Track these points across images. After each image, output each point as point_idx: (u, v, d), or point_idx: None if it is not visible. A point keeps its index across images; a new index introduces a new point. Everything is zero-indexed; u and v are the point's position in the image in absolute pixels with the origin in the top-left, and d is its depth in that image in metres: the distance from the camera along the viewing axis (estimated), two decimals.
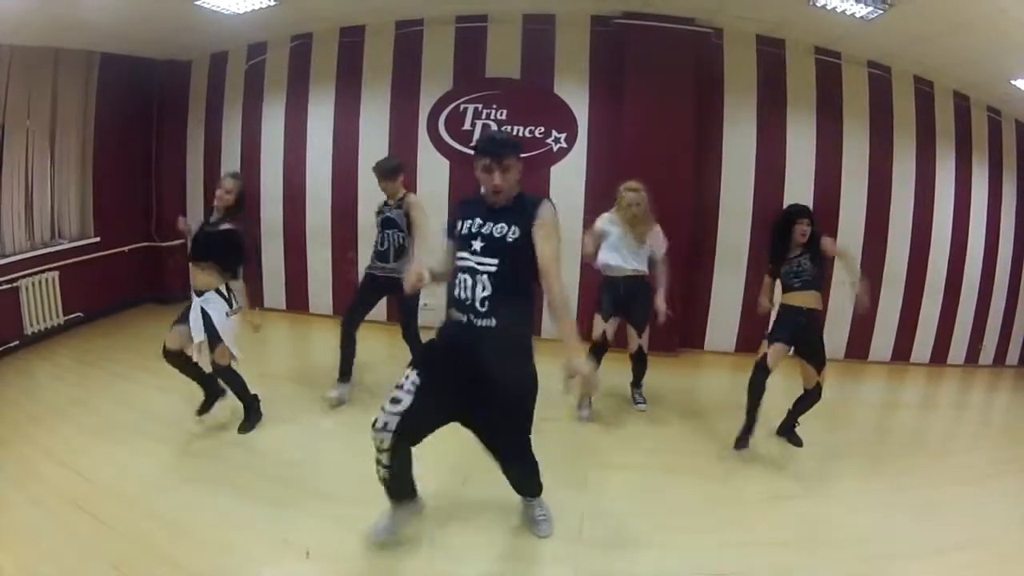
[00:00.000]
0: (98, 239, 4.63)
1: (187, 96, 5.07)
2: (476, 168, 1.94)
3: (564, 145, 4.47)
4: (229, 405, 3.06)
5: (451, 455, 2.77)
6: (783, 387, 3.21)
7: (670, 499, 2.58)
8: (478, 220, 1.94)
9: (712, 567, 2.14)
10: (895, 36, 4.02)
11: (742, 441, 3.01)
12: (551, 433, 2.91)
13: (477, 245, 1.90)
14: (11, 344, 3.90)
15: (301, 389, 3.58)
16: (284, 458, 2.77)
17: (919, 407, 4.24)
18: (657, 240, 3.23)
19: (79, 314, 4.42)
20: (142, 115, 5.01)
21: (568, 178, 4.42)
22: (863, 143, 4.51)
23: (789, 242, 2.94)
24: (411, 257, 3.21)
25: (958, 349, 4.92)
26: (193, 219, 3.48)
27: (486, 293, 1.87)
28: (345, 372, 3.42)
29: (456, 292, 1.93)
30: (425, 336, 3.59)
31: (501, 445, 2.10)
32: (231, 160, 5.00)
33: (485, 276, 1.88)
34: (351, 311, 3.46)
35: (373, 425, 1.98)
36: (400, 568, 2.08)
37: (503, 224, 1.90)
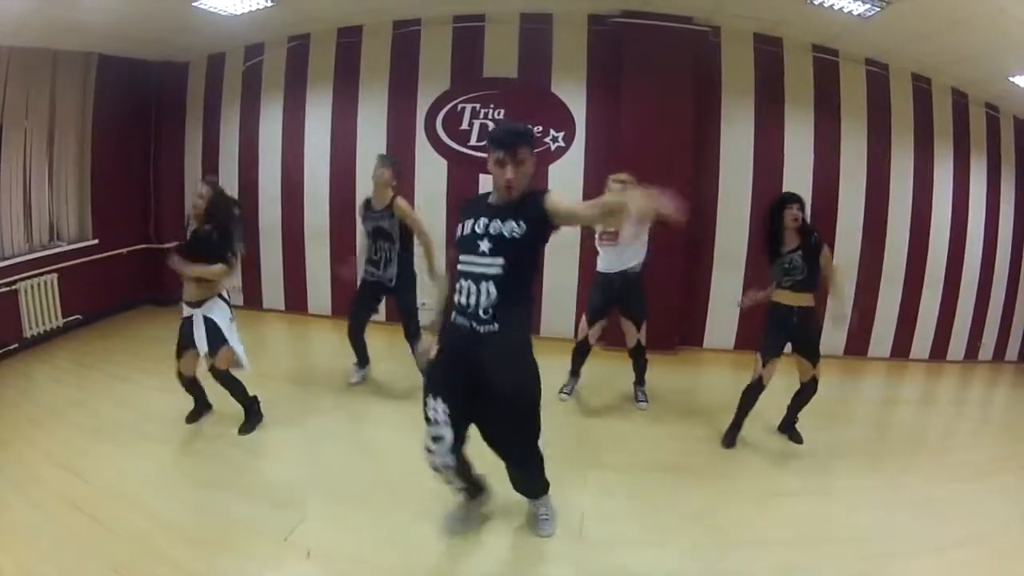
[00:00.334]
0: (96, 241, 4.63)
1: (185, 97, 5.06)
2: (489, 161, 1.87)
3: (562, 144, 4.47)
4: (231, 406, 3.04)
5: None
6: (783, 385, 3.20)
7: (670, 498, 2.58)
8: (483, 220, 1.87)
9: (713, 566, 2.14)
10: (893, 34, 4.01)
11: (729, 439, 3.08)
12: (551, 432, 2.88)
13: (485, 246, 1.83)
14: (10, 347, 3.89)
15: (301, 389, 3.58)
16: (284, 458, 2.78)
17: (918, 404, 4.23)
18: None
19: (78, 316, 4.41)
20: (140, 116, 5.00)
21: (566, 177, 4.42)
22: (861, 140, 4.50)
23: (782, 230, 2.90)
24: (430, 272, 3.19)
25: (957, 345, 4.92)
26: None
27: (491, 299, 1.83)
28: (362, 360, 3.63)
29: (458, 298, 1.88)
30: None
31: (508, 447, 2.07)
32: (229, 161, 5.00)
33: (491, 281, 1.82)
34: (355, 316, 3.53)
35: (432, 466, 2.01)
36: (402, 567, 2.07)
37: (511, 222, 1.83)
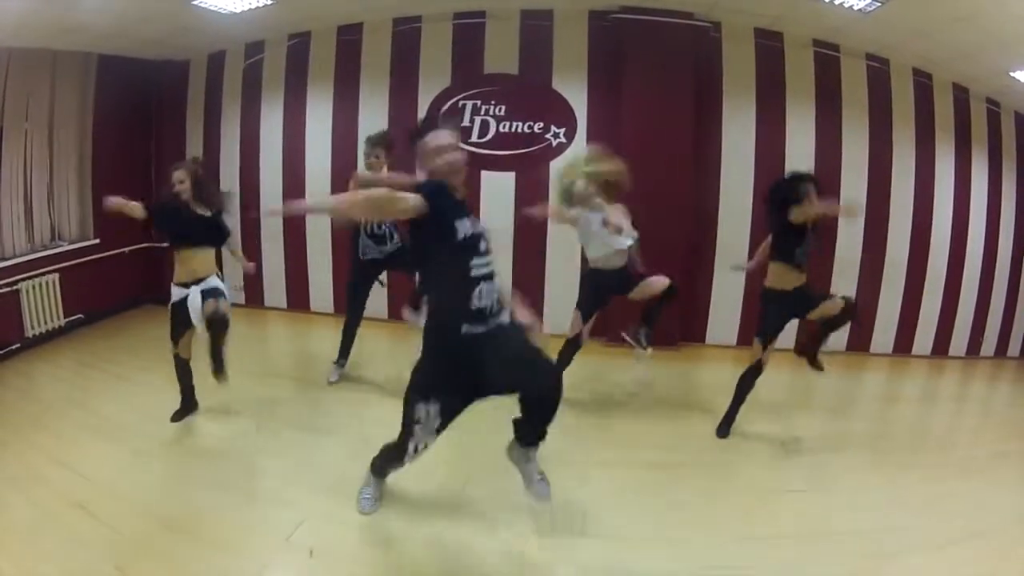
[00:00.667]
0: (98, 241, 4.61)
1: (185, 96, 5.03)
2: (429, 155, 1.80)
3: (563, 140, 4.44)
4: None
5: (452, 456, 2.76)
6: (783, 381, 3.19)
7: (671, 494, 2.56)
8: (467, 220, 1.79)
9: (714, 562, 2.13)
10: (893, 28, 3.99)
11: (724, 429, 3.08)
12: (551, 429, 2.89)
13: (483, 246, 1.80)
14: (12, 346, 3.88)
15: (303, 388, 3.56)
16: (286, 457, 2.75)
17: (921, 400, 4.21)
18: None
19: (80, 316, 4.40)
20: (140, 116, 4.98)
21: None
22: (862, 136, 4.48)
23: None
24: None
25: (959, 341, 4.90)
26: None
27: (499, 293, 1.83)
28: (345, 354, 3.59)
29: (472, 303, 1.74)
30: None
31: (539, 378, 1.83)
32: (230, 159, 4.97)
33: (495, 278, 1.82)
34: (358, 302, 3.51)
35: (415, 450, 1.96)
36: (403, 567, 2.06)
37: (474, 215, 1.84)
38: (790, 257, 2.89)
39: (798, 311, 2.99)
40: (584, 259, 3.32)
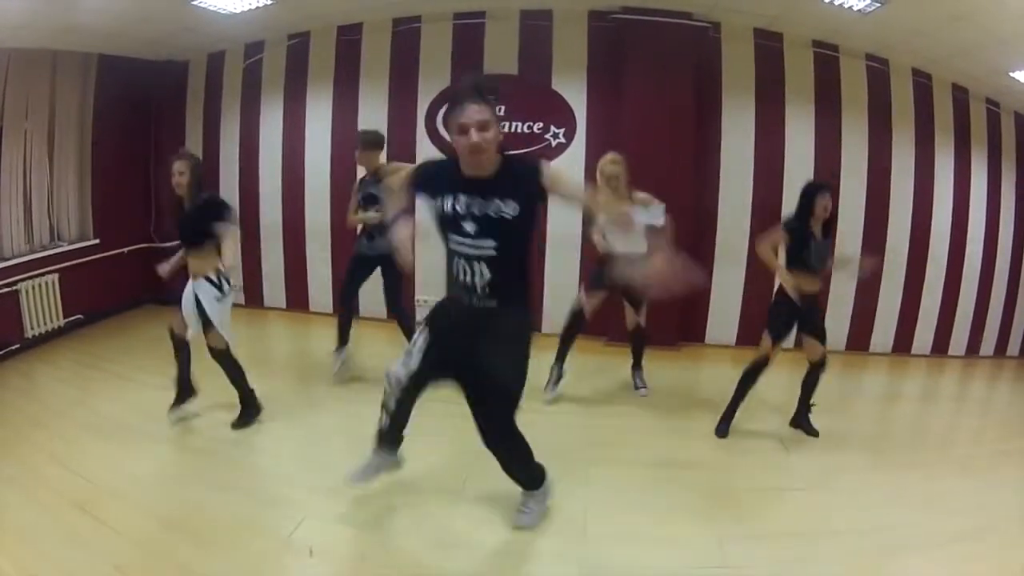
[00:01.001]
0: (97, 241, 4.61)
1: (185, 96, 5.03)
2: (450, 129, 1.73)
3: (563, 140, 4.45)
4: (231, 405, 3.02)
5: (451, 455, 2.77)
6: (783, 382, 3.20)
7: (672, 493, 2.57)
8: (462, 198, 1.76)
9: (715, 561, 2.13)
10: (893, 29, 4.00)
11: (723, 428, 3.09)
12: (550, 427, 2.90)
13: (470, 227, 1.74)
14: (12, 347, 3.88)
15: (302, 387, 3.57)
16: (286, 456, 2.76)
17: (920, 399, 4.22)
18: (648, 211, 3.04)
19: (79, 316, 4.40)
20: (140, 116, 4.98)
21: (567, 173, 4.41)
22: (862, 136, 4.48)
23: (811, 216, 2.90)
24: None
25: (959, 340, 4.91)
26: None
27: (487, 279, 1.80)
28: (344, 339, 3.63)
29: (455, 275, 1.85)
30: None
31: (484, 423, 1.97)
32: (229, 159, 4.98)
33: (484, 263, 1.77)
34: (352, 291, 3.58)
35: (386, 376, 2.04)
36: (403, 566, 2.06)
37: (497, 201, 1.73)
38: (801, 262, 2.93)
39: (803, 317, 2.99)
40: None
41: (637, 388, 3.53)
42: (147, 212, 4.96)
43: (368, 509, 2.34)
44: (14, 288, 3.91)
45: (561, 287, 4.41)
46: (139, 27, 4.08)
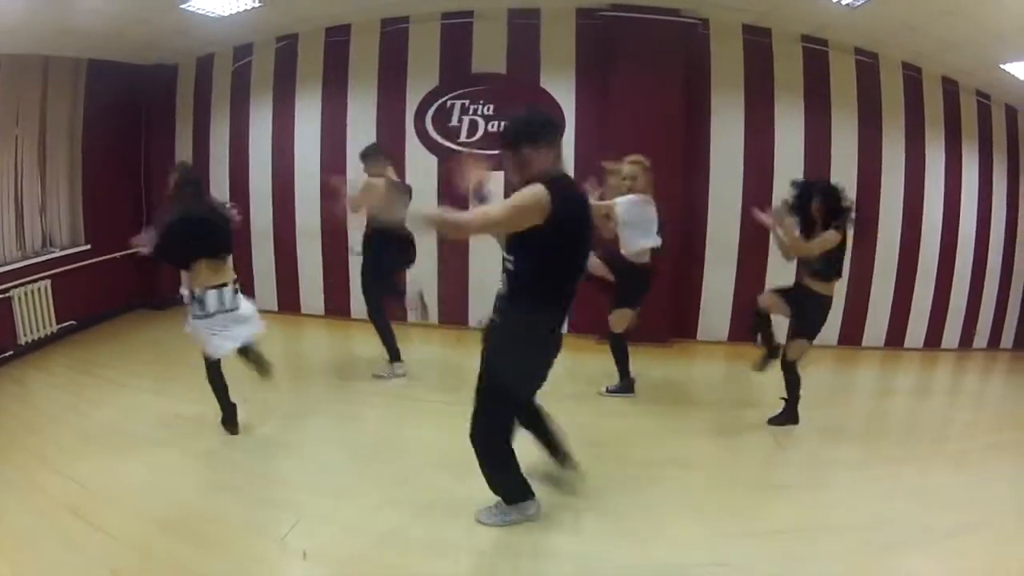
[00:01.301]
0: (89, 246, 4.65)
1: (174, 100, 5.07)
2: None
3: None
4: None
5: (446, 452, 2.81)
6: (778, 378, 3.23)
7: (667, 490, 2.60)
8: None
9: (711, 558, 2.15)
10: (883, 23, 4.02)
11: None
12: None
13: (502, 241, 1.98)
14: (5, 354, 3.92)
15: (297, 389, 3.61)
16: (280, 458, 2.81)
17: (914, 393, 4.27)
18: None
19: (72, 322, 4.44)
20: (130, 120, 5.02)
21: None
22: (852, 130, 4.53)
23: (811, 216, 2.98)
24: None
25: (952, 334, 4.96)
26: None
27: (504, 290, 1.98)
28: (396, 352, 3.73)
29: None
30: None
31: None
32: (220, 162, 5.02)
33: (506, 275, 1.96)
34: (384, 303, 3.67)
35: None
36: (398, 566, 2.10)
37: None
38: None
39: (796, 312, 3.09)
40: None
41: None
42: (138, 216, 4.99)
43: (362, 511, 2.38)
44: (6, 295, 3.95)
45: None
46: (131, 30, 4.11)
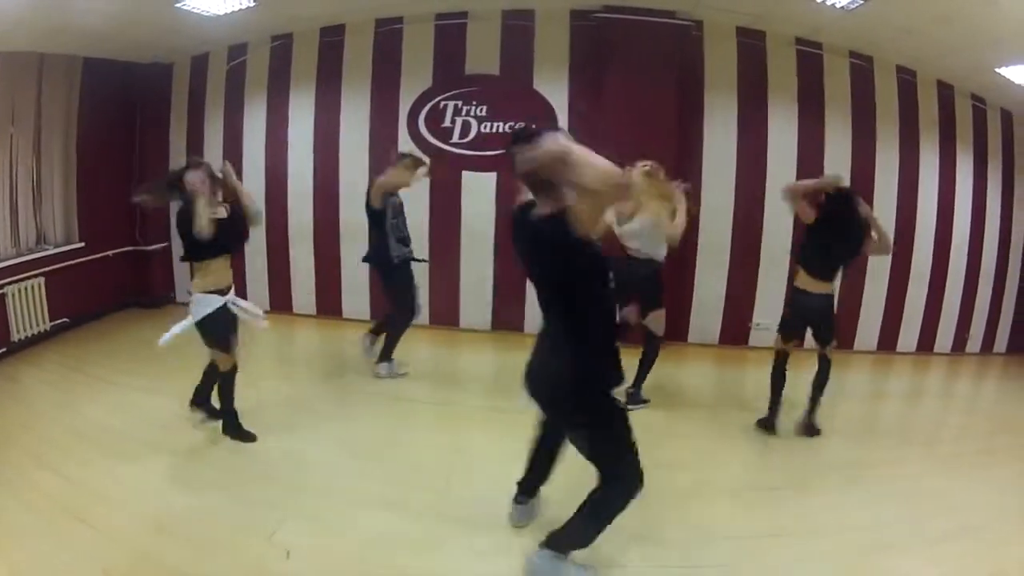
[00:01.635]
0: (83, 244, 4.71)
1: (169, 99, 5.12)
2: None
3: None
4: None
5: (435, 454, 2.88)
6: (768, 381, 3.26)
7: (655, 492, 2.53)
8: None
9: (699, 560, 2.18)
10: (877, 26, 4.07)
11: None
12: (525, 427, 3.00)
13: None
14: None
15: (286, 390, 3.66)
16: (273, 459, 2.84)
17: (907, 396, 4.31)
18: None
19: (65, 320, 4.50)
20: (125, 119, 5.06)
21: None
22: (845, 134, 4.58)
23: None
24: None
25: (945, 338, 5.01)
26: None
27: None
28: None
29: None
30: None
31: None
32: (213, 161, 4.98)
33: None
34: (415, 303, 3.76)
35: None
36: (385, 566, 2.13)
37: None
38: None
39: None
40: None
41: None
42: (132, 215, 5.05)
43: (353, 511, 2.42)
44: (0, 292, 4.01)
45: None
46: (127, 29, 4.16)
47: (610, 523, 1.95)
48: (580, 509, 1.95)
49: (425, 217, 4.57)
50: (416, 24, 4.59)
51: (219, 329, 2.75)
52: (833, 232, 2.97)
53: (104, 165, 4.90)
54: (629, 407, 3.39)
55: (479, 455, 2.88)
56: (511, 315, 4.65)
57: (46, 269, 4.36)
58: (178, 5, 3.87)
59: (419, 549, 2.21)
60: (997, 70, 4.25)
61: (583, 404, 1.83)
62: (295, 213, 4.96)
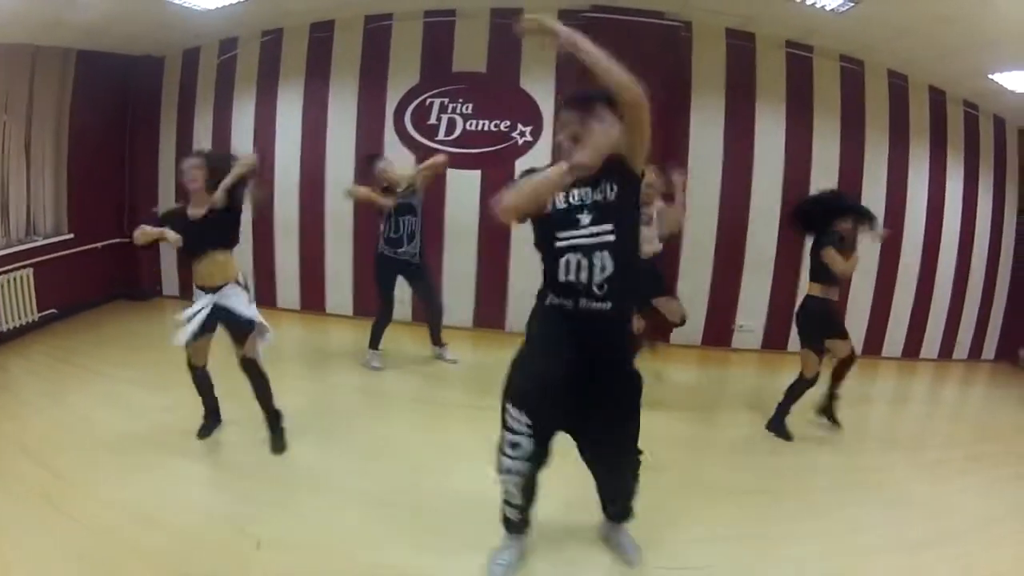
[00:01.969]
0: (72, 235, 4.79)
1: (160, 92, 5.20)
2: (562, 128, 1.73)
3: (529, 139, 4.61)
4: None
5: (405, 448, 2.94)
6: (751, 384, 3.29)
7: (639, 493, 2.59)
8: (575, 191, 1.72)
9: (677, 562, 2.20)
10: (870, 29, 4.09)
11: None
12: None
13: (585, 218, 1.71)
14: None
15: (275, 383, 3.69)
16: (254, 452, 2.87)
17: (893, 402, 4.35)
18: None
19: (53, 311, 4.59)
20: (116, 111, 5.14)
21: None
22: (834, 138, 4.62)
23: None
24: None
25: (932, 344, 5.06)
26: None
27: (607, 272, 1.69)
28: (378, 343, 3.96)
29: (561, 276, 1.71)
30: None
31: (614, 455, 1.98)
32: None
33: (606, 251, 1.69)
34: (391, 301, 3.86)
35: (498, 470, 1.93)
36: (363, 559, 2.16)
37: (604, 183, 1.71)
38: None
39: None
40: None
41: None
42: (120, 207, 5.14)
43: (336, 505, 2.46)
44: None
45: (524, 284, 4.54)
46: (120, 22, 4.23)
47: None
48: (623, 489, 2.09)
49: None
50: (405, 21, 4.65)
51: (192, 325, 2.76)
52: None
53: (95, 157, 4.98)
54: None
55: (458, 452, 2.92)
56: (493, 313, 4.73)
57: (35, 260, 4.44)
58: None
59: (398, 543, 2.24)
60: (990, 76, 4.27)
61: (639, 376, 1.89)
62: (282, 208, 5.00)
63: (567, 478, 2.09)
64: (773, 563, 2.23)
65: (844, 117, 4.62)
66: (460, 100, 4.62)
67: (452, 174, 4.64)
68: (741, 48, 4.53)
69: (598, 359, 1.76)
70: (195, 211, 2.71)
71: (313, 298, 5.07)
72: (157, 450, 2.85)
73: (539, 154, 4.57)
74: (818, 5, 3.87)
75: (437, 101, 4.64)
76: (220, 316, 2.75)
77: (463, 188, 4.61)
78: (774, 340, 4.77)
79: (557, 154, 1.75)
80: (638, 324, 3.48)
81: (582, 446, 1.99)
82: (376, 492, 2.58)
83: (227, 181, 2.65)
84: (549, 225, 1.74)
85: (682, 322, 3.70)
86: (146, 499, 2.45)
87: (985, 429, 3.93)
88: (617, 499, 2.14)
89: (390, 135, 4.71)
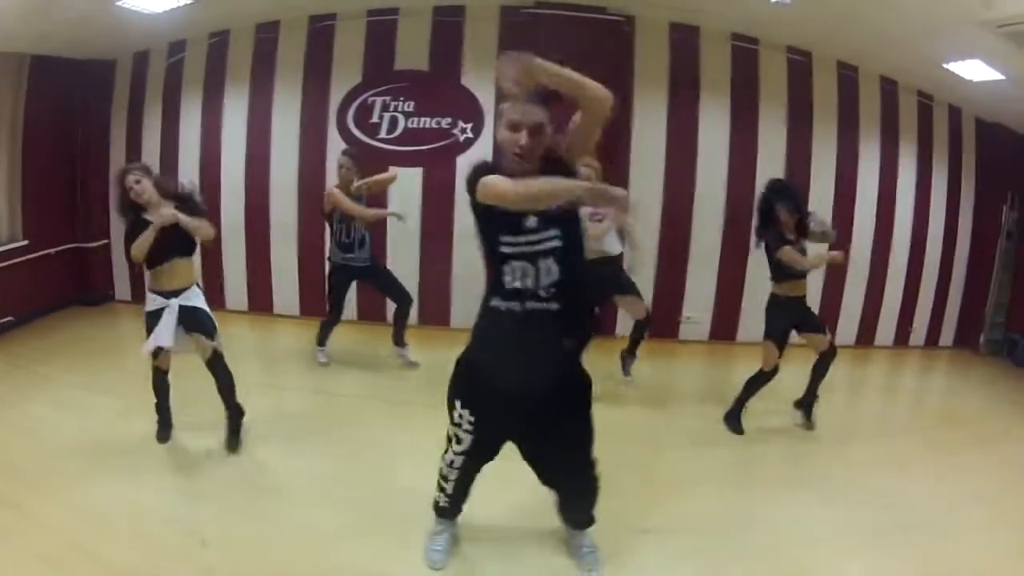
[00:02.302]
0: (27, 242, 4.84)
1: (111, 96, 5.23)
2: (502, 125, 1.75)
3: (471, 135, 4.66)
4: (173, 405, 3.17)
5: (363, 448, 3.00)
6: (710, 375, 3.34)
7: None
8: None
9: (626, 553, 2.25)
10: (816, 20, 4.11)
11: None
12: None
13: (530, 222, 1.73)
14: None
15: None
16: (206, 451, 2.94)
17: (846, 391, 4.36)
18: None
19: (10, 318, 4.63)
20: (69, 116, 5.16)
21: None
22: (781, 130, 4.67)
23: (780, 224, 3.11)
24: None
25: (886, 331, 5.12)
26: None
27: (553, 277, 1.73)
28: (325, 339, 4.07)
29: (508, 282, 1.75)
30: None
31: (569, 462, 2.00)
32: (152, 158, 5.14)
33: (551, 258, 1.73)
34: (341, 306, 3.97)
35: (441, 458, 2.04)
36: (312, 558, 2.21)
37: None
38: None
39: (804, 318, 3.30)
40: None
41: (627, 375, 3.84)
42: (73, 212, 5.20)
43: (288, 506, 2.53)
44: None
45: (467, 280, 4.52)
46: (68, 26, 4.23)
47: None
48: (583, 494, 2.09)
49: None
50: (349, 20, 4.69)
51: (148, 329, 2.85)
52: None
53: (48, 162, 5.01)
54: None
55: (416, 452, 2.82)
56: (438, 310, 4.81)
57: None
58: (118, 3, 3.93)
59: (349, 542, 2.29)
60: (945, 66, 4.26)
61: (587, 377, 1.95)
62: (227, 212, 5.01)
63: (530, 481, 2.13)
64: (730, 555, 2.26)
65: (791, 109, 4.66)
66: (402, 98, 4.67)
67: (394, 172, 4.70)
68: (685, 42, 4.57)
69: (546, 359, 1.79)
70: (155, 217, 2.78)
71: (261, 299, 5.13)
72: (115, 455, 2.90)
73: (481, 151, 4.62)
74: None
75: (379, 99, 4.70)
76: (185, 317, 2.85)
77: (405, 186, 4.65)
78: (721, 331, 4.85)
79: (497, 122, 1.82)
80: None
81: (531, 454, 2.03)
82: (336, 493, 2.63)
83: (184, 221, 2.77)
84: (495, 226, 1.77)
85: (647, 319, 3.74)
86: (102, 501, 2.50)
87: (942, 417, 3.99)
88: (575, 506, 2.14)
89: (333, 135, 4.77)
